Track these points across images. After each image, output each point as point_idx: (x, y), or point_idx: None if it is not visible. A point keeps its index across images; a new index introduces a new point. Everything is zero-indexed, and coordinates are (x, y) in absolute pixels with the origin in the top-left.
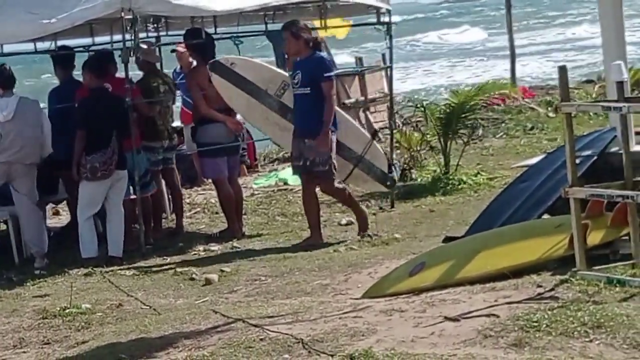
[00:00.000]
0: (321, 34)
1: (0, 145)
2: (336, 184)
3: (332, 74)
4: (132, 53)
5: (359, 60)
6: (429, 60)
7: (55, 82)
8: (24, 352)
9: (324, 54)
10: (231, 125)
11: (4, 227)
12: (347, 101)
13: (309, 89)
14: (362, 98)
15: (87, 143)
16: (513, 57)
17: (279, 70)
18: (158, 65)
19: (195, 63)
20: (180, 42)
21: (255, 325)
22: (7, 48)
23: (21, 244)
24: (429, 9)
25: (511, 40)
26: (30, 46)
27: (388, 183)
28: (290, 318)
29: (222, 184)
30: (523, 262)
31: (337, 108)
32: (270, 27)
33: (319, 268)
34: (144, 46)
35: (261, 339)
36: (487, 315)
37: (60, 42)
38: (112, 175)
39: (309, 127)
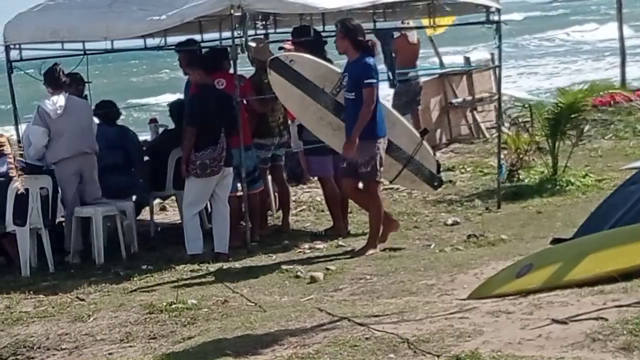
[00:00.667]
0: (429, 32)
1: (59, 143)
2: (378, 193)
3: (373, 80)
4: (241, 50)
5: (467, 59)
6: (550, 58)
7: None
8: (131, 346)
9: (369, 59)
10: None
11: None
12: (454, 101)
13: (353, 94)
14: (470, 98)
15: (197, 140)
16: (623, 57)
17: (335, 68)
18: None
19: None
20: (288, 40)
21: (361, 324)
22: (117, 44)
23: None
24: (543, 7)
25: (621, 40)
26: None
27: (435, 184)
28: (396, 317)
29: (327, 182)
30: (632, 265)
31: (389, 108)
32: (379, 25)
33: (425, 268)
34: (253, 44)
35: (366, 338)
36: (596, 319)
37: (170, 39)
38: (221, 172)
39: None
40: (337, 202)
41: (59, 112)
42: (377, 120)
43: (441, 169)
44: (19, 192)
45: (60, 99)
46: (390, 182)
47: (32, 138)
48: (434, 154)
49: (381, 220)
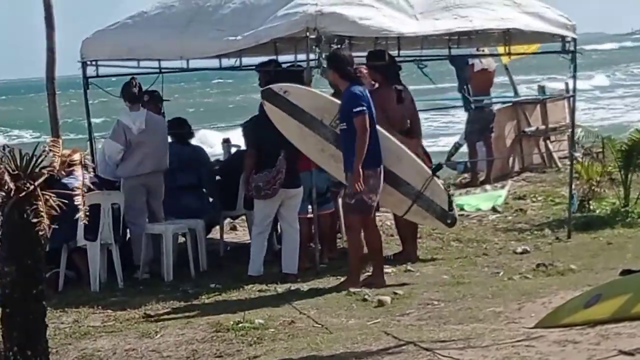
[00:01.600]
0: (504, 60)
1: (136, 159)
2: (353, 233)
3: (361, 108)
4: (320, 73)
5: (541, 88)
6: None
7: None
8: None
9: (356, 88)
10: (411, 148)
11: (182, 239)
12: (527, 129)
13: (344, 124)
14: (543, 127)
15: (256, 162)
16: None
17: (335, 99)
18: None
19: (377, 85)
20: (362, 64)
21: (427, 349)
22: (192, 63)
23: (198, 257)
24: (636, 38)
25: None
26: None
27: (449, 221)
28: (462, 344)
29: None
30: None
31: (395, 140)
32: (454, 51)
33: (493, 295)
34: None
35: None
36: None
37: (245, 59)
38: (278, 194)
39: (348, 162)
40: (407, 227)
41: (142, 127)
42: (367, 150)
43: (454, 206)
44: (82, 222)
45: (141, 115)
46: (402, 217)
47: (107, 151)
48: (447, 190)
49: (358, 253)
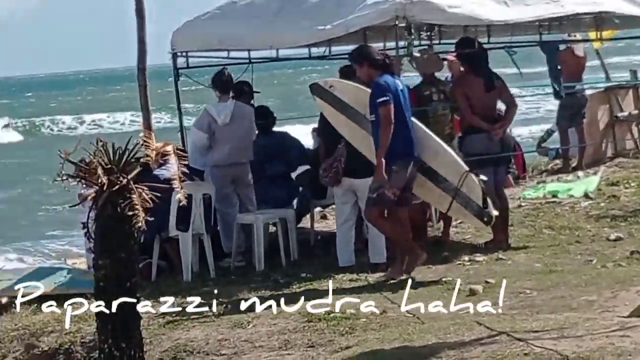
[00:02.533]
0: (595, 45)
1: (221, 149)
2: (379, 220)
3: (384, 98)
4: (409, 62)
5: (634, 72)
6: None
7: None
8: (289, 354)
9: (382, 78)
10: (495, 134)
11: (272, 229)
12: (619, 114)
13: (373, 116)
14: (636, 112)
15: (325, 151)
16: None
17: None
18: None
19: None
20: (451, 51)
21: (520, 339)
22: (281, 53)
23: (289, 246)
24: None
25: None
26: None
27: (485, 219)
28: (556, 334)
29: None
30: None
31: (432, 135)
32: (545, 37)
33: (586, 284)
34: (417, 54)
35: (525, 354)
36: None
37: (334, 48)
38: (342, 182)
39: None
40: (498, 215)
41: (226, 120)
42: (392, 142)
43: (489, 204)
44: (180, 204)
45: (228, 106)
46: (446, 213)
47: (193, 139)
48: (482, 187)
49: (403, 237)
